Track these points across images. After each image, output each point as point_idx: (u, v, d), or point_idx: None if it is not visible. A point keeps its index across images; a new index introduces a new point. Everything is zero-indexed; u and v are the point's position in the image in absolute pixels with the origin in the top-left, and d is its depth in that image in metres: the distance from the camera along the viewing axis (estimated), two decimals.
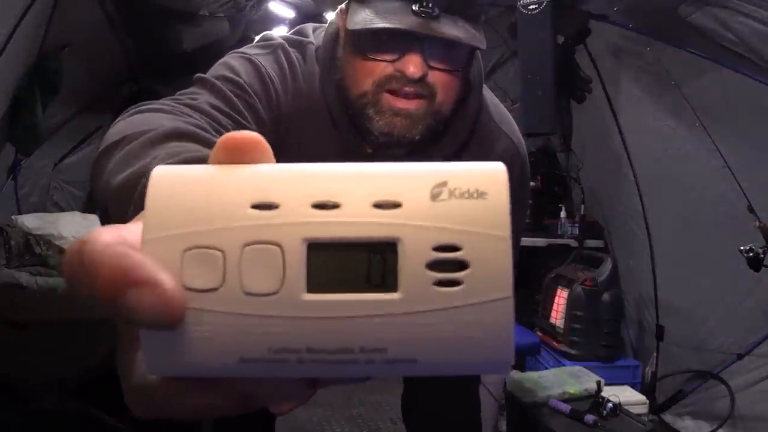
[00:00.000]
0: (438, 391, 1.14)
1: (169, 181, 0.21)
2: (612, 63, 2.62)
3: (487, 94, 0.95)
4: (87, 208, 3.28)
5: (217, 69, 0.79)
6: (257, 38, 0.88)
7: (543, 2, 2.31)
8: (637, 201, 2.67)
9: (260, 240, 0.20)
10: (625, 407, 1.73)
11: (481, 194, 0.20)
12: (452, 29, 0.72)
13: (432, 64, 0.75)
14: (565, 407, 1.68)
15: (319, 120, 0.84)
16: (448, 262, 0.19)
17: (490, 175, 0.21)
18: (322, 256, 0.20)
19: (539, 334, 2.68)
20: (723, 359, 2.26)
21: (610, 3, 2.35)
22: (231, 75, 0.75)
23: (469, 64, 0.83)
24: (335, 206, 0.20)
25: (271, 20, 3.05)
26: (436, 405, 1.15)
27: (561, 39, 2.48)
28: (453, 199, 0.20)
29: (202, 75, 0.76)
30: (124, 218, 0.33)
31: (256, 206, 0.20)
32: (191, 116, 0.62)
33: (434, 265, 0.19)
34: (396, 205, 0.20)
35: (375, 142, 0.80)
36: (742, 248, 1.67)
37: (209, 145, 0.49)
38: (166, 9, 2.72)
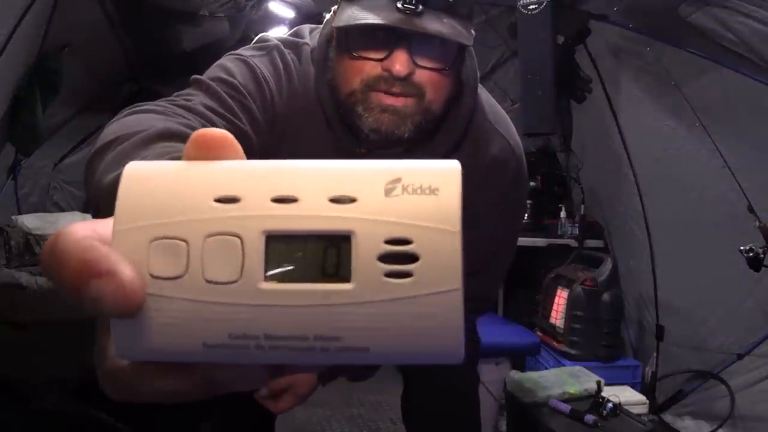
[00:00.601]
0: (438, 391, 1.14)
1: (139, 175, 0.22)
2: (612, 63, 2.62)
3: (483, 94, 0.95)
4: (87, 208, 3.28)
5: (212, 71, 0.79)
6: (255, 40, 0.89)
7: (543, 2, 2.31)
8: (637, 201, 2.67)
9: (221, 231, 0.21)
10: (625, 407, 1.73)
11: (433, 190, 0.21)
12: (436, 25, 0.72)
13: (419, 62, 0.75)
14: (565, 407, 1.68)
15: (314, 120, 0.84)
16: (399, 255, 0.20)
17: (444, 173, 0.21)
18: (279, 248, 0.20)
19: (539, 334, 2.68)
20: (723, 359, 2.26)
21: (610, 3, 2.35)
22: (226, 76, 0.76)
23: (460, 62, 0.83)
24: (293, 200, 0.21)
25: (271, 20, 3.05)
26: (435, 405, 1.15)
27: (561, 39, 2.48)
28: (406, 194, 0.21)
29: (198, 77, 0.77)
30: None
31: (219, 200, 0.21)
32: (184, 117, 0.63)
33: (386, 258, 0.20)
34: (351, 200, 0.21)
35: (366, 140, 0.80)
36: (742, 248, 1.67)
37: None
38: (166, 9, 2.72)
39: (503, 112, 0.96)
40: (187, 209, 0.21)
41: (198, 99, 0.71)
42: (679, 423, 2.42)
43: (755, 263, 1.66)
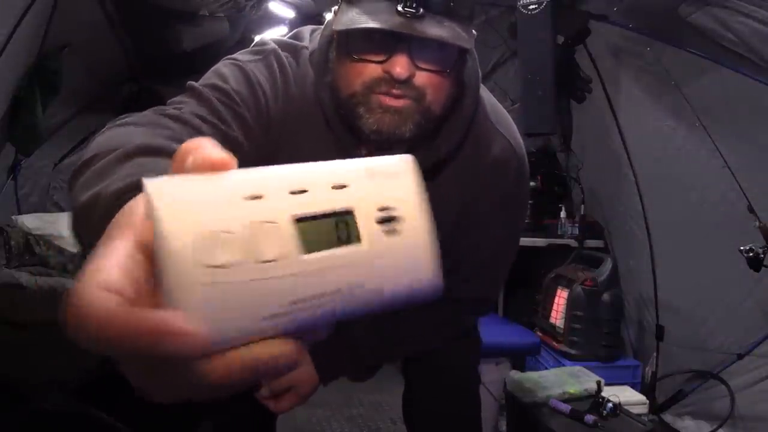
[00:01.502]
0: (439, 391, 1.14)
1: (170, 192, 0.26)
2: (612, 63, 2.62)
3: (485, 94, 0.94)
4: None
5: (207, 76, 0.80)
6: (253, 43, 0.89)
7: (543, 2, 2.31)
8: (637, 201, 2.68)
9: (261, 220, 0.26)
10: (625, 407, 1.73)
11: (396, 175, 0.30)
12: (436, 29, 0.71)
13: (419, 64, 0.75)
14: (565, 407, 1.68)
15: (313, 123, 0.84)
16: (388, 219, 0.28)
17: (400, 163, 0.30)
18: (305, 227, 0.26)
19: (539, 334, 2.68)
20: (723, 359, 2.26)
21: (610, 3, 2.35)
22: (220, 83, 0.77)
23: (461, 64, 0.83)
24: (305, 191, 0.27)
25: (271, 20, 3.05)
26: (436, 405, 1.15)
27: (561, 39, 2.48)
28: (380, 179, 0.29)
29: (193, 83, 0.77)
30: (90, 237, 0.38)
31: (247, 198, 0.26)
32: (170, 128, 0.64)
33: (381, 222, 0.28)
34: (345, 187, 0.28)
35: (367, 140, 0.80)
36: (742, 248, 1.67)
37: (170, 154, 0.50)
38: (166, 9, 2.72)
39: (505, 112, 0.96)
40: (225, 208, 0.25)
41: (188, 107, 0.72)
42: (679, 423, 2.42)
43: (755, 263, 1.66)
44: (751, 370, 2.16)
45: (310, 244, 0.26)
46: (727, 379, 2.22)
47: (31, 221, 2.31)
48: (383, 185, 0.29)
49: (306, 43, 0.87)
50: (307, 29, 0.91)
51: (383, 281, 0.28)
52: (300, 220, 0.26)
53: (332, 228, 0.27)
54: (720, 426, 2.20)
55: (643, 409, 1.92)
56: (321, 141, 0.85)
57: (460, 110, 0.86)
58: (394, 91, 0.75)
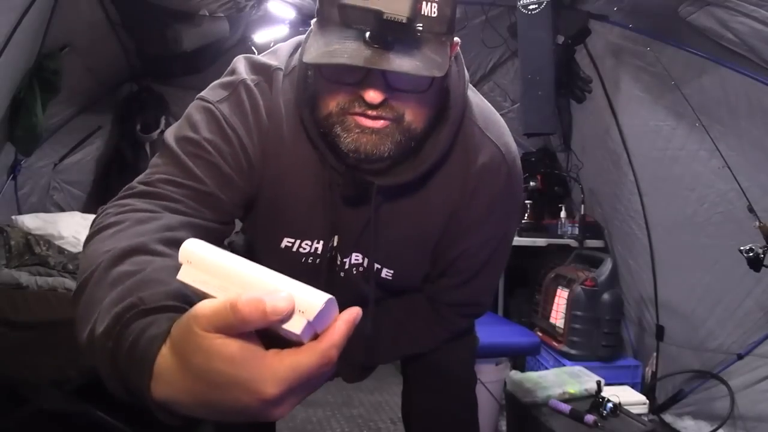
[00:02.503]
0: (436, 390, 1.15)
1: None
2: (612, 63, 2.62)
3: (476, 98, 0.93)
4: (87, 208, 3.28)
5: (180, 126, 0.80)
6: (228, 69, 0.87)
7: (543, 2, 2.31)
8: (637, 201, 2.67)
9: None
10: (625, 407, 1.73)
11: (305, 312, 0.42)
12: (405, 60, 0.67)
13: (395, 86, 0.72)
14: (565, 407, 1.68)
15: (292, 146, 0.84)
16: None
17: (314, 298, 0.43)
18: None
19: (539, 334, 2.68)
20: (723, 359, 2.26)
21: (610, 3, 2.35)
22: (191, 134, 0.78)
23: (441, 79, 0.78)
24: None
25: (271, 20, 3.04)
26: (434, 404, 1.15)
27: (561, 39, 2.48)
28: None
29: (167, 137, 0.79)
30: (109, 370, 0.47)
31: None
32: (144, 210, 0.68)
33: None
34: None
35: (346, 159, 0.79)
36: (742, 248, 1.67)
37: (153, 252, 0.58)
38: (166, 9, 2.72)
39: (495, 115, 0.94)
40: None
41: (159, 174, 0.74)
42: (679, 423, 2.42)
43: (755, 263, 1.66)
44: (751, 370, 2.15)
45: None
46: (727, 379, 2.22)
47: (31, 221, 2.30)
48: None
49: (281, 63, 0.86)
50: (285, 46, 0.90)
51: None
52: None
53: None
54: (720, 426, 2.20)
55: (643, 409, 1.92)
56: (308, 160, 0.84)
57: (446, 119, 0.84)
58: (370, 113, 0.73)
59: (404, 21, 0.63)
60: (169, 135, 0.79)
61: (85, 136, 3.31)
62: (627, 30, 2.39)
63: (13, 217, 2.36)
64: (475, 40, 2.97)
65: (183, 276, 0.45)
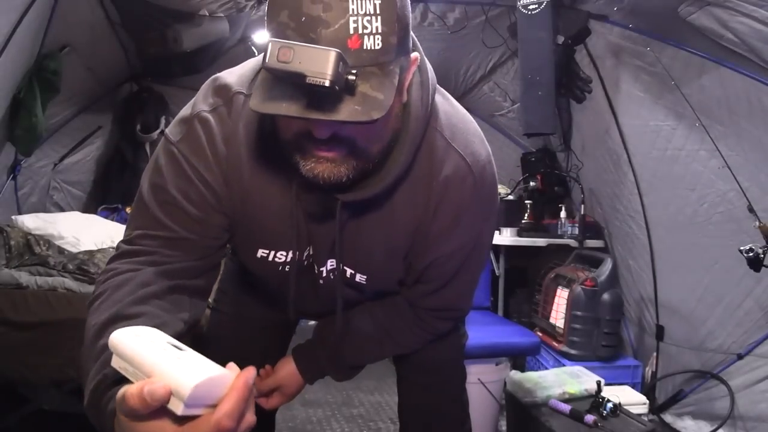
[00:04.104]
0: (425, 385, 1.17)
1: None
2: (612, 63, 2.62)
3: (444, 105, 0.91)
4: (87, 208, 3.28)
5: (150, 170, 0.86)
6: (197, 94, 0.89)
7: (543, 2, 2.31)
8: (637, 201, 2.68)
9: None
10: (625, 407, 1.73)
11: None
12: (347, 106, 0.65)
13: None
14: (565, 407, 1.68)
15: (256, 165, 0.85)
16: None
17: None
18: None
19: (539, 334, 2.68)
20: (723, 359, 2.26)
21: (610, 3, 2.35)
22: (158, 180, 0.83)
23: (397, 100, 0.75)
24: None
25: None
26: (424, 399, 1.18)
27: (561, 39, 2.48)
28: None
29: (142, 183, 0.85)
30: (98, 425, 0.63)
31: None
32: (122, 273, 0.78)
33: None
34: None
35: (308, 182, 0.78)
36: (742, 248, 1.67)
37: (127, 317, 0.71)
38: (166, 9, 2.72)
39: (464, 123, 0.92)
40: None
41: (136, 231, 0.83)
42: (679, 423, 2.42)
43: (755, 263, 1.66)
44: (751, 370, 2.16)
45: None
46: (727, 379, 2.22)
47: (31, 221, 2.30)
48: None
49: (242, 85, 0.85)
50: (249, 66, 0.89)
51: None
52: None
53: None
54: (720, 426, 2.20)
55: (643, 409, 1.92)
56: (272, 177, 0.85)
57: (407, 133, 0.82)
58: (322, 146, 0.72)
59: (326, 84, 0.61)
60: (144, 179, 0.86)
61: (85, 136, 3.31)
62: (627, 30, 2.39)
63: (13, 217, 2.36)
64: (475, 40, 2.97)
65: (114, 363, 0.57)
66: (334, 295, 0.97)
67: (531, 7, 2.33)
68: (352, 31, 0.65)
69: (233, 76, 0.88)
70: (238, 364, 0.58)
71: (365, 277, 0.96)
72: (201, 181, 0.84)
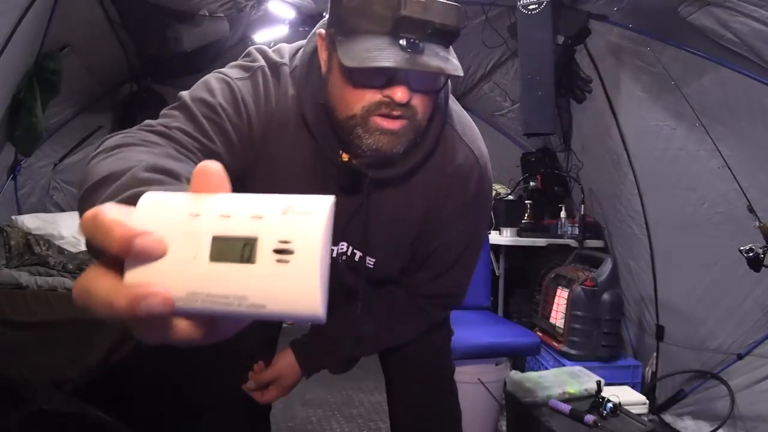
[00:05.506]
0: (414, 380, 1.19)
1: (153, 201, 0.37)
2: (612, 63, 2.62)
3: (454, 105, 1.01)
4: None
5: (197, 87, 0.87)
6: (243, 53, 0.94)
7: (543, 2, 2.31)
8: (637, 201, 2.68)
9: (189, 232, 0.36)
10: (625, 407, 1.73)
11: (308, 213, 0.35)
12: (436, 61, 0.77)
13: (415, 87, 0.81)
14: (565, 407, 1.68)
15: (292, 135, 0.91)
16: (282, 251, 0.34)
17: (318, 201, 0.36)
18: (219, 243, 0.35)
19: (539, 334, 2.68)
20: (723, 359, 2.26)
21: (610, 3, 2.35)
22: (207, 97, 0.84)
23: (446, 83, 0.90)
24: (228, 217, 0.36)
25: (271, 20, 3.05)
26: (412, 393, 1.19)
27: (561, 39, 2.48)
28: (292, 215, 0.35)
29: (183, 95, 0.84)
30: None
31: (191, 215, 0.36)
32: (160, 145, 0.73)
33: (276, 251, 0.34)
34: (260, 218, 0.35)
35: (362, 155, 0.87)
36: (742, 248, 1.67)
37: (174, 175, 0.60)
38: (166, 9, 2.72)
39: (470, 122, 1.03)
40: (175, 219, 0.36)
41: (176, 123, 0.79)
42: (679, 423, 2.42)
43: (755, 263, 1.66)
44: (751, 370, 2.16)
45: (218, 256, 0.35)
46: (727, 379, 2.22)
47: (31, 221, 2.31)
48: (292, 221, 0.35)
49: (286, 59, 0.93)
50: (287, 47, 0.96)
51: (265, 300, 0.34)
52: (216, 238, 0.35)
53: (239, 248, 0.35)
54: (720, 426, 2.20)
55: (643, 409, 1.92)
56: (303, 149, 0.92)
57: (432, 123, 0.92)
58: (394, 113, 0.81)
59: (453, 30, 0.77)
60: (185, 95, 0.85)
61: (85, 136, 3.31)
62: (627, 30, 2.39)
63: (13, 217, 2.37)
64: (475, 40, 2.97)
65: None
66: (338, 281, 1.00)
67: (531, 7, 2.33)
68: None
69: (273, 53, 0.94)
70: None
71: (374, 260, 1.02)
72: (247, 121, 0.87)
